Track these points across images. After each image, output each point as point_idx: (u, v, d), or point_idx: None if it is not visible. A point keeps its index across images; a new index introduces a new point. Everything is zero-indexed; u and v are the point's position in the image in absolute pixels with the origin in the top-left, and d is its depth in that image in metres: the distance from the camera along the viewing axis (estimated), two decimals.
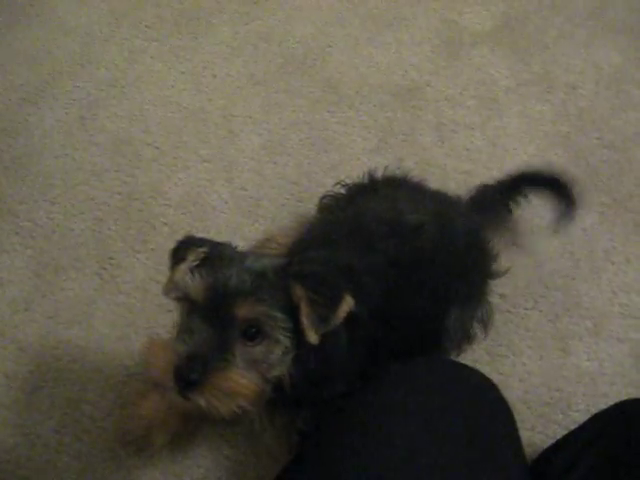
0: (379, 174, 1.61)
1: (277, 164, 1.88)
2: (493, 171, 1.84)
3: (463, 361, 1.50)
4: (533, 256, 1.70)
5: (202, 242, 1.18)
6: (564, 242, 1.72)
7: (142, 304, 1.61)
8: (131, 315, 1.60)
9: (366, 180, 1.60)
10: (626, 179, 1.85)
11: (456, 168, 1.86)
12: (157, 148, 1.90)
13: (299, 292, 1.07)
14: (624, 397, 1.40)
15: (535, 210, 1.75)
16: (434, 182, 1.76)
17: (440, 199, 1.52)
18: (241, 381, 1.06)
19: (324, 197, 1.65)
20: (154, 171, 1.86)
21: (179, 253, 1.16)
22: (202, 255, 1.13)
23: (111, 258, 1.69)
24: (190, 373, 1.02)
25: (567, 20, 2.23)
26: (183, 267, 1.12)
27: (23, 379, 1.51)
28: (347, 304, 1.09)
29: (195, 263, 1.12)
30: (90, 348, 1.55)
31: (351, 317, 1.18)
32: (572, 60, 2.12)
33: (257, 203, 1.80)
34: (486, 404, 1.17)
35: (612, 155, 1.90)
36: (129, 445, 1.41)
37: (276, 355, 1.10)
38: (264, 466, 1.40)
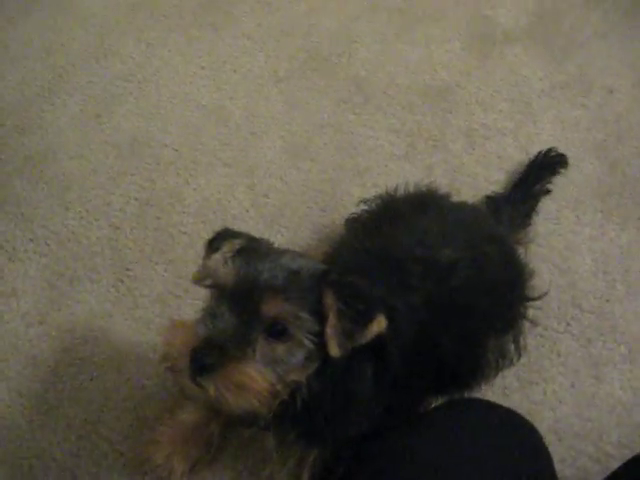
0: (402, 191, 1.56)
1: (300, 170, 1.81)
2: None
3: (492, 388, 1.47)
4: (566, 275, 1.63)
5: (239, 235, 1.16)
6: (599, 260, 1.65)
7: (161, 319, 1.55)
8: (149, 331, 1.54)
9: (387, 202, 1.54)
10: None
11: (487, 177, 1.79)
12: (175, 150, 1.83)
13: (329, 300, 1.02)
14: None
15: (569, 225, 1.69)
16: (465, 193, 1.70)
17: (469, 221, 1.45)
18: (256, 376, 1.01)
19: (349, 219, 1.59)
20: (172, 175, 1.79)
21: (215, 243, 1.13)
22: (237, 247, 1.10)
23: (128, 269, 1.63)
24: (205, 357, 0.99)
25: (603, 17, 2.13)
26: (217, 256, 1.09)
27: (38, 397, 1.46)
28: (378, 325, 1.03)
29: (230, 254, 1.08)
30: (107, 366, 1.50)
31: (380, 354, 1.16)
32: (608, 61, 2.03)
33: (280, 212, 1.73)
34: (527, 448, 1.12)
35: None
36: (148, 472, 1.36)
37: (297, 358, 1.05)
38: None
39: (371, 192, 1.69)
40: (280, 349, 1.04)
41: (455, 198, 1.60)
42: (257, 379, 1.02)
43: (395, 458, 1.09)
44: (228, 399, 1.00)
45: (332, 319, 1.02)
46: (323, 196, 1.76)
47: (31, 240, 1.67)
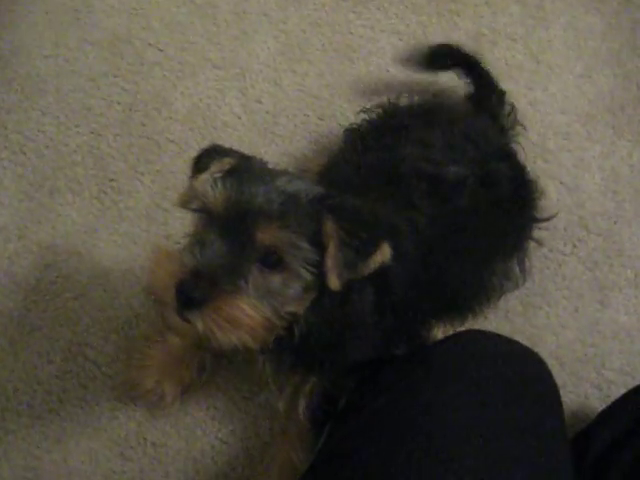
0: (404, 101, 1.45)
1: (296, 73, 1.67)
2: (536, 92, 1.65)
3: (495, 312, 1.42)
4: (574, 193, 1.56)
5: (229, 152, 1.05)
6: (608, 179, 1.57)
7: (147, 234, 1.47)
8: (135, 247, 1.46)
9: (390, 112, 1.43)
10: None
11: None
12: (160, 50, 1.67)
13: (329, 228, 0.94)
14: None
15: (579, 141, 1.60)
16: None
17: (477, 134, 1.33)
18: (249, 311, 0.93)
19: (348, 129, 1.47)
20: (157, 78, 1.64)
21: (202, 161, 1.03)
22: (228, 166, 1.00)
23: (112, 180, 1.52)
24: (193, 290, 0.90)
25: None
26: (205, 176, 0.99)
27: (20, 317, 1.39)
28: (382, 254, 0.95)
29: (219, 174, 0.99)
30: (91, 284, 1.42)
31: (383, 278, 1.07)
32: None
33: (274, 120, 1.61)
34: (533, 380, 1.07)
35: None
36: (138, 397, 1.32)
37: (294, 290, 0.97)
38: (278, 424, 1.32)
39: (372, 99, 1.59)
40: (275, 280, 0.95)
41: (462, 107, 1.50)
42: (250, 313, 0.94)
43: (395, 397, 1.04)
44: (218, 335, 0.92)
45: (332, 249, 0.93)
46: (320, 102, 1.64)
47: (5, 147, 1.55)
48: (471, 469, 0.87)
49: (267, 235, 0.93)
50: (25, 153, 1.55)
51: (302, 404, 1.19)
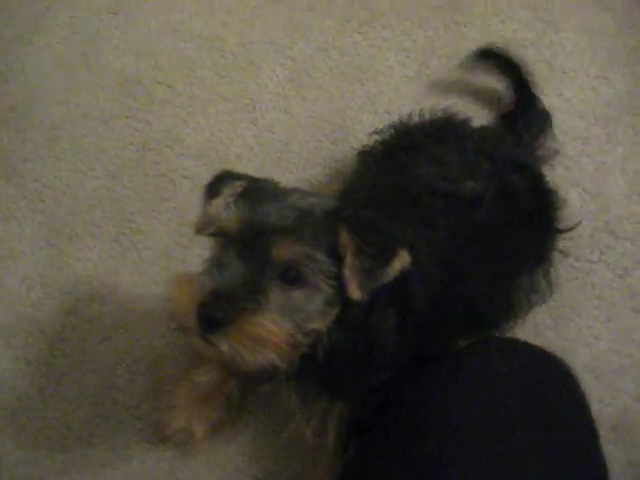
0: (417, 119, 1.43)
1: (306, 99, 1.67)
2: (551, 98, 1.61)
3: (523, 327, 1.38)
4: (598, 199, 1.51)
5: (240, 176, 1.07)
6: (633, 181, 1.53)
7: (168, 273, 1.47)
8: (156, 286, 1.46)
9: (401, 131, 1.41)
10: None
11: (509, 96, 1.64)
12: (170, 87, 1.69)
13: (345, 238, 0.94)
14: None
15: (599, 145, 1.56)
16: (485, 114, 1.58)
17: (491, 148, 1.30)
18: (272, 328, 0.92)
19: (361, 151, 1.46)
20: (169, 115, 1.66)
21: (214, 187, 1.04)
22: (240, 189, 1.01)
23: (129, 221, 1.53)
24: (215, 311, 0.90)
25: None
26: (219, 201, 1.00)
27: (46, 365, 1.40)
28: (401, 261, 0.94)
29: (232, 198, 0.99)
30: (115, 327, 1.42)
31: (403, 298, 1.07)
32: None
33: (287, 148, 1.61)
34: (555, 384, 1.05)
35: None
36: (168, 439, 1.31)
37: (316, 305, 0.97)
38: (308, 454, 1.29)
39: (384, 119, 1.56)
40: (296, 296, 0.95)
41: (475, 122, 1.48)
42: (274, 330, 0.93)
43: (415, 411, 1.03)
44: (244, 355, 0.91)
45: (350, 258, 0.93)
46: (332, 127, 1.63)
47: (24, 197, 1.57)
48: None
49: (283, 250, 0.93)
50: (44, 201, 1.57)
51: (331, 431, 1.17)
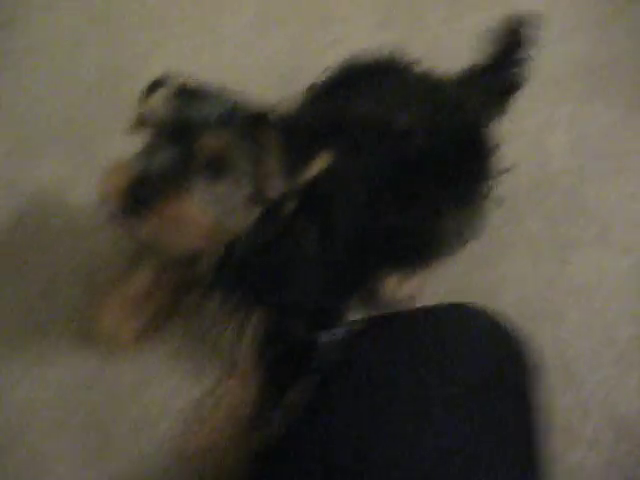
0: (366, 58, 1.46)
1: (267, 39, 1.72)
2: None
3: (451, 266, 1.42)
4: (540, 152, 1.55)
5: (174, 79, 1.10)
6: (575, 138, 1.57)
7: None
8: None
9: (349, 68, 1.45)
10: None
11: (469, 52, 1.66)
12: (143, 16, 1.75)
13: (268, 134, 0.99)
14: (619, 314, 1.32)
15: (549, 100, 1.60)
16: (441, 64, 1.60)
17: (432, 89, 1.36)
18: (195, 212, 0.98)
19: (309, 86, 1.49)
20: (140, 44, 1.72)
21: (152, 88, 1.08)
22: (177, 88, 1.05)
23: (90, 138, 1.59)
24: (141, 191, 0.94)
25: None
26: (155, 98, 1.05)
27: None
28: (322, 161, 1.01)
29: (168, 96, 1.03)
30: (60, 236, 1.48)
31: (327, 218, 1.13)
32: None
33: (243, 82, 1.62)
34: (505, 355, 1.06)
35: None
36: (97, 338, 1.36)
37: (236, 198, 1.02)
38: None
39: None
40: (218, 186, 1.00)
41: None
42: (196, 215, 0.98)
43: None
44: (167, 235, 0.97)
45: (270, 154, 0.99)
46: (290, 67, 1.67)
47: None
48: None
49: (209, 141, 0.97)
50: (15, 111, 1.64)
51: (248, 337, 1.21)
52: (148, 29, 1.74)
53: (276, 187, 1.00)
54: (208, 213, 0.99)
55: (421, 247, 1.34)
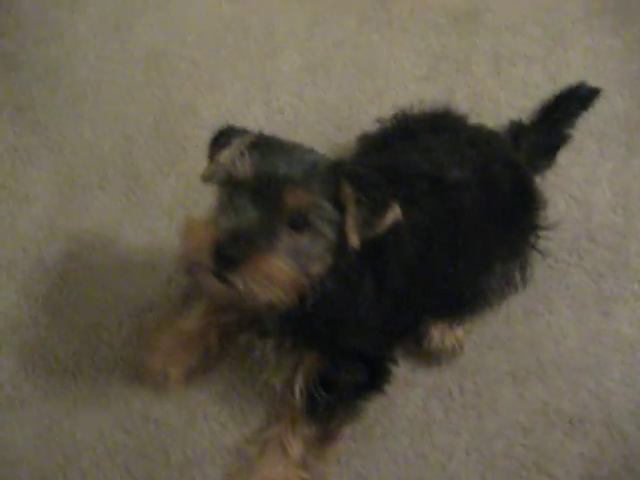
0: (418, 111, 1.51)
1: (317, 87, 1.77)
2: None
3: (495, 316, 1.44)
4: (583, 207, 1.58)
5: (245, 130, 1.16)
6: (619, 195, 1.59)
7: (168, 232, 1.56)
8: (156, 241, 1.55)
9: (401, 120, 1.50)
10: None
11: (510, 103, 1.72)
12: (193, 63, 1.80)
13: (348, 190, 1.04)
14: None
15: (591, 157, 1.63)
16: (485, 118, 1.64)
17: (483, 143, 1.39)
18: (283, 267, 1.02)
19: (360, 136, 1.55)
20: (189, 88, 1.77)
21: (222, 139, 1.13)
22: (250, 141, 1.10)
23: (138, 179, 1.63)
24: (232, 249, 0.98)
25: None
26: (229, 151, 1.09)
27: (44, 300, 1.49)
28: (394, 213, 1.05)
29: (244, 148, 1.07)
30: (112, 274, 1.51)
31: (381, 266, 1.17)
32: None
33: (294, 129, 1.70)
34: None
35: None
36: (145, 378, 1.38)
37: (318, 250, 1.06)
38: (274, 407, 1.36)
39: (389, 113, 1.62)
40: (303, 240, 1.05)
41: (474, 121, 1.55)
42: (284, 270, 1.02)
43: None
44: (256, 292, 1.01)
45: (352, 208, 1.03)
46: (339, 115, 1.72)
47: (45, 147, 1.68)
48: None
49: (293, 198, 1.02)
50: (62, 152, 1.68)
51: (299, 382, 1.24)
52: (197, 77, 1.80)
53: (355, 239, 1.03)
54: (293, 265, 1.04)
55: (469, 297, 1.36)
